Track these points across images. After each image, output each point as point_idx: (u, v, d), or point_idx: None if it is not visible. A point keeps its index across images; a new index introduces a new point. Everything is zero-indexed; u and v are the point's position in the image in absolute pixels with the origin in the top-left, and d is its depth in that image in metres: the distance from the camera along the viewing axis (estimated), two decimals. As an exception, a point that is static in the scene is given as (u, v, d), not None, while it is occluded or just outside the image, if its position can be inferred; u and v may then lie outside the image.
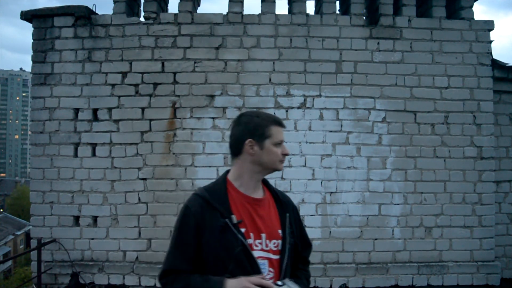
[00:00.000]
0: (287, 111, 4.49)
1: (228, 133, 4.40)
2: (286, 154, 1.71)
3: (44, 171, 4.51)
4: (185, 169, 4.47)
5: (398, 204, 4.50)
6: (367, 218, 4.47)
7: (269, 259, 1.64)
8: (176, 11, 4.57)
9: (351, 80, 4.53)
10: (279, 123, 1.71)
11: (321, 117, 4.50)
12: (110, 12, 4.69)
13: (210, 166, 4.45)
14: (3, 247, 27.67)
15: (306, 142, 4.48)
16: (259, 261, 1.60)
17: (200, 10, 5.11)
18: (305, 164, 4.47)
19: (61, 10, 4.58)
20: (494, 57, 4.65)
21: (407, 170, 4.51)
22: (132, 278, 4.37)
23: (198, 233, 1.59)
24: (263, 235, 1.64)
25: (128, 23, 4.54)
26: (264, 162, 1.68)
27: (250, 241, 1.60)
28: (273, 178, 4.39)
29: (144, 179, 4.47)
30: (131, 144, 4.49)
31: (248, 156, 1.67)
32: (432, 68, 4.56)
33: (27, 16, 4.60)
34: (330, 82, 4.52)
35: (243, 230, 1.60)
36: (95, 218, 4.48)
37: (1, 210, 40.90)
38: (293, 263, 1.74)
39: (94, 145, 4.51)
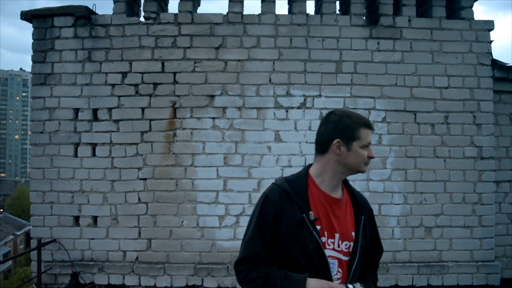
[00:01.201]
0: (287, 111, 4.49)
1: (228, 133, 4.45)
2: (371, 157, 1.69)
3: (44, 171, 4.51)
4: (185, 169, 4.47)
5: (398, 204, 4.50)
6: (367, 218, 4.46)
7: (339, 260, 1.64)
8: (176, 11, 4.57)
9: (351, 80, 4.53)
10: (368, 125, 1.69)
11: (321, 117, 4.50)
12: (110, 12, 4.69)
13: (210, 166, 4.46)
14: (3, 247, 27.67)
15: (306, 142, 4.48)
16: (330, 260, 1.61)
17: (200, 10, 5.12)
18: (305, 164, 4.46)
19: (61, 10, 4.58)
20: (494, 57, 4.65)
21: (407, 170, 4.51)
22: (132, 278, 4.37)
23: (276, 223, 1.61)
24: (337, 235, 1.64)
25: (128, 23, 4.54)
26: (349, 163, 1.67)
27: (323, 239, 1.61)
28: (272, 178, 4.40)
29: (144, 179, 4.47)
30: (131, 144, 4.49)
31: (334, 156, 1.67)
32: (432, 68, 4.56)
33: (27, 16, 4.60)
34: (330, 82, 4.52)
35: (318, 227, 1.61)
36: (95, 218, 4.48)
37: (1, 210, 40.92)
38: (362, 265, 1.74)
39: (94, 145, 4.51)
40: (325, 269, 1.58)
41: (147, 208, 4.45)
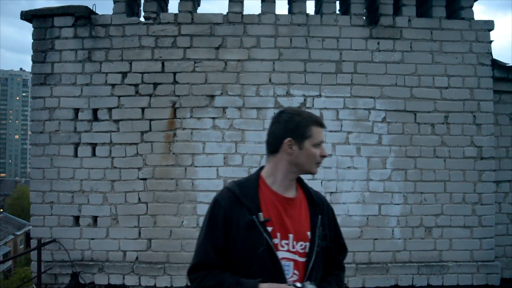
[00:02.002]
0: (287, 111, 4.48)
1: (228, 133, 4.45)
2: (324, 156, 1.64)
3: (44, 171, 4.51)
4: (185, 169, 4.47)
5: (398, 204, 4.50)
6: (367, 218, 4.47)
7: (295, 261, 1.58)
8: (176, 11, 4.57)
9: (351, 80, 4.53)
10: (320, 123, 1.64)
11: (321, 117, 4.49)
12: (110, 12, 4.69)
13: (210, 166, 4.46)
14: (3, 247, 27.67)
15: (306, 142, 4.47)
16: (284, 263, 1.55)
17: (200, 10, 5.12)
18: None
19: (61, 10, 4.58)
20: (493, 57, 4.65)
21: (407, 170, 4.51)
22: (132, 278, 4.37)
23: (226, 227, 1.56)
24: (291, 235, 1.58)
25: (128, 23, 4.54)
26: (301, 163, 1.62)
27: (276, 241, 1.55)
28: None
29: (144, 179, 4.47)
30: (131, 144, 4.49)
31: (285, 155, 1.62)
32: (432, 68, 4.56)
33: (27, 16, 4.60)
34: (330, 82, 4.52)
35: (270, 229, 1.54)
36: (95, 218, 4.48)
37: (1, 210, 40.92)
38: (326, 267, 1.69)
39: (94, 145, 4.51)
40: (279, 272, 1.52)
41: (147, 208, 4.45)
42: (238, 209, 1.57)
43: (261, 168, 1.72)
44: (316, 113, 4.49)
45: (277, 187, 1.63)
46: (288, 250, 1.57)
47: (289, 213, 1.60)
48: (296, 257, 1.58)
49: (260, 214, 1.54)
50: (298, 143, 1.59)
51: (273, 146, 1.65)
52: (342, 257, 1.83)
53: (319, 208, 1.68)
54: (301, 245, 1.59)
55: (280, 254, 1.54)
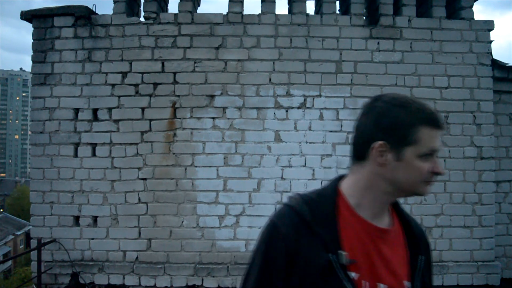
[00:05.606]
0: (287, 111, 4.49)
1: (228, 133, 4.45)
2: (437, 173, 1.09)
3: (44, 171, 4.51)
4: (185, 169, 4.47)
5: (398, 204, 4.49)
6: (367, 218, 4.46)
7: None
8: (176, 11, 4.57)
9: (351, 80, 4.53)
10: (434, 122, 1.07)
11: (321, 117, 4.50)
12: (110, 12, 4.69)
13: (210, 166, 4.46)
14: (3, 247, 27.70)
15: (306, 142, 4.48)
16: None
17: (200, 10, 5.11)
18: (305, 164, 4.47)
19: (61, 10, 4.59)
20: (493, 57, 4.65)
21: (407, 170, 4.50)
22: (132, 278, 4.37)
23: (289, 267, 1.06)
24: (382, 286, 1.07)
25: (128, 23, 4.54)
26: (399, 181, 1.08)
27: None
28: (273, 178, 4.41)
29: (144, 179, 4.47)
30: (131, 144, 4.49)
31: (375, 166, 1.09)
32: (432, 68, 4.56)
33: (27, 16, 4.60)
34: (330, 82, 4.52)
35: (354, 275, 1.05)
36: (95, 218, 4.48)
37: (1, 210, 40.95)
38: None
39: (94, 145, 4.51)
40: None
41: (147, 208, 4.45)
42: (308, 241, 1.06)
43: (340, 178, 1.20)
44: (316, 113, 4.49)
45: (364, 212, 1.12)
46: None
47: (381, 251, 1.09)
48: None
49: (342, 253, 1.04)
50: (395, 151, 1.07)
51: (357, 150, 1.14)
52: None
53: (418, 245, 1.18)
54: None
55: None
